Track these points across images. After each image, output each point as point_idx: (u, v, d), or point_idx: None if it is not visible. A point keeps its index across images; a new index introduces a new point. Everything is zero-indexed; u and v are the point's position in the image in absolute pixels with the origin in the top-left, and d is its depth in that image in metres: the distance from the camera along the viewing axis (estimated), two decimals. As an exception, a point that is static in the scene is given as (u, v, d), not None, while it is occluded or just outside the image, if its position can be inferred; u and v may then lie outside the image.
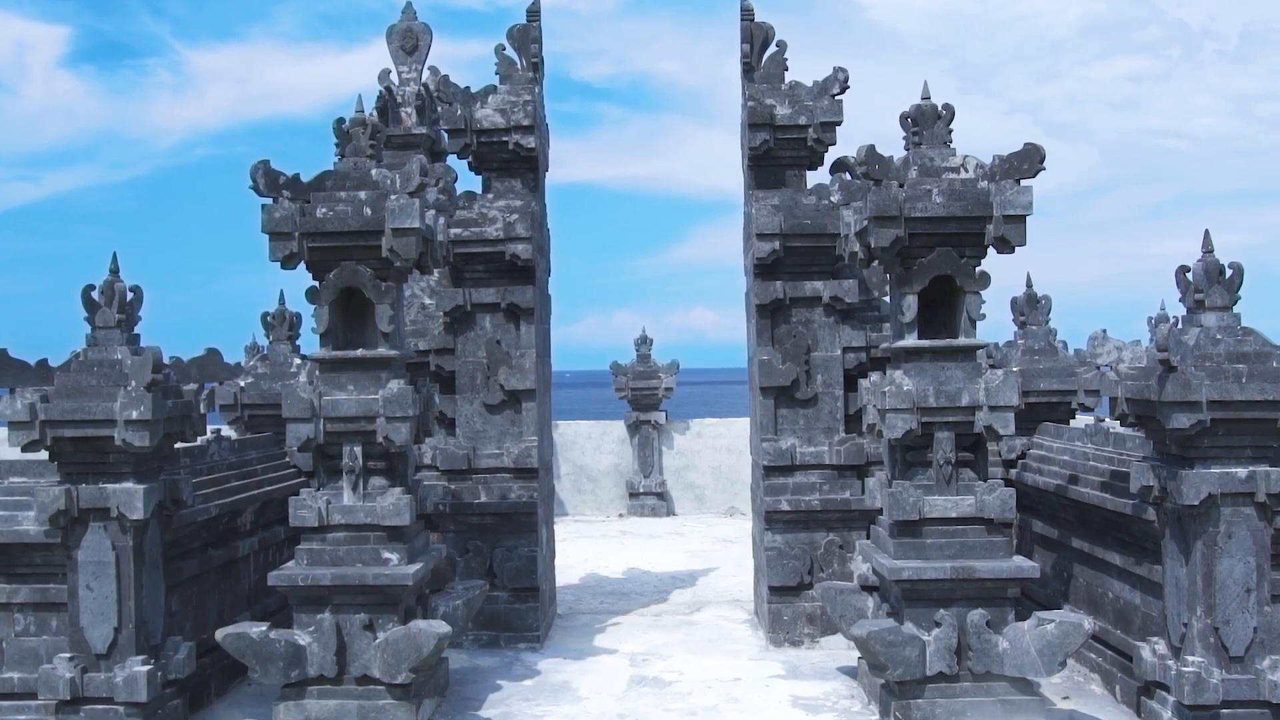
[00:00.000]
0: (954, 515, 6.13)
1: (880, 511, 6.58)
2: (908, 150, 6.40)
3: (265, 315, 8.73)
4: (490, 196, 8.35)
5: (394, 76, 10.15)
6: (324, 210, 6.24)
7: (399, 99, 9.96)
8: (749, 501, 16.43)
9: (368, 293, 6.30)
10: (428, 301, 8.58)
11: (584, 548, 13.01)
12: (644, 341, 16.01)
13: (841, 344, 8.15)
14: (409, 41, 10.22)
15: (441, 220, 6.89)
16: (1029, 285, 8.60)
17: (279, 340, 8.77)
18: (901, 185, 6.13)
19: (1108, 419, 7.19)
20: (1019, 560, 6.08)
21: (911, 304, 6.19)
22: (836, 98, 8.12)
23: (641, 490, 15.75)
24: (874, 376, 6.58)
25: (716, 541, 13.35)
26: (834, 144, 8.19)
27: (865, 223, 6.19)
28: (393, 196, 6.20)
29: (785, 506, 7.96)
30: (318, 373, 6.41)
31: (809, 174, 8.45)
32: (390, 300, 6.31)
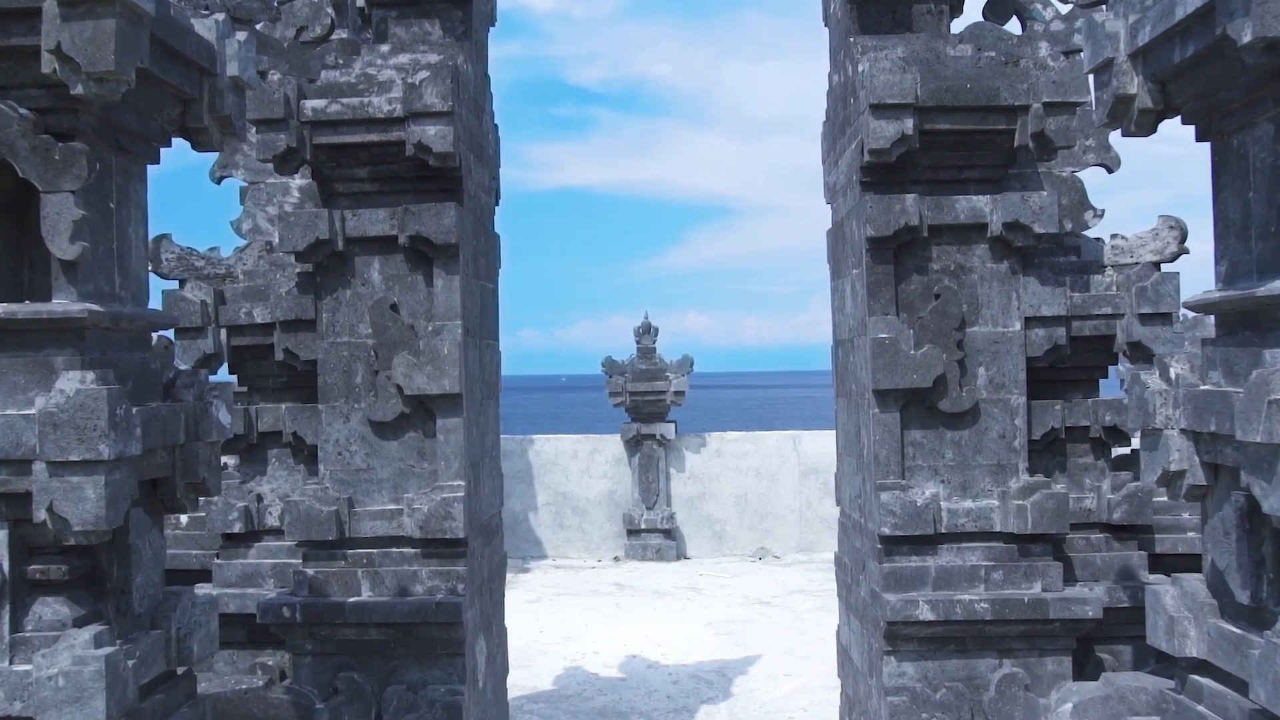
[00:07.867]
0: None
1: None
2: None
3: None
4: (385, 49, 4.69)
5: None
6: (-90, -36, 2.59)
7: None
8: (782, 542, 12.99)
9: (20, 165, 2.64)
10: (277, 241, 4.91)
11: (565, 614, 9.38)
12: (646, 331, 12.34)
13: (1023, 311, 4.49)
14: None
15: (243, 38, 3.23)
16: None
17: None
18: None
19: None
20: None
21: (1322, 189, 2.55)
22: None
23: (643, 526, 12.09)
24: (1177, 365, 2.96)
25: (747, 604, 9.74)
26: (1004, -48, 4.57)
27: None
28: (74, -69, 2.54)
29: (927, 614, 4.28)
30: (-88, 354, 2.76)
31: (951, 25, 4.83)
32: (77, 184, 2.65)
